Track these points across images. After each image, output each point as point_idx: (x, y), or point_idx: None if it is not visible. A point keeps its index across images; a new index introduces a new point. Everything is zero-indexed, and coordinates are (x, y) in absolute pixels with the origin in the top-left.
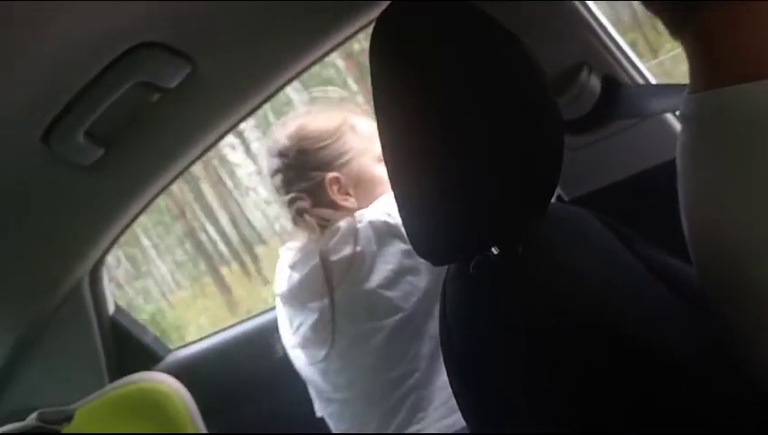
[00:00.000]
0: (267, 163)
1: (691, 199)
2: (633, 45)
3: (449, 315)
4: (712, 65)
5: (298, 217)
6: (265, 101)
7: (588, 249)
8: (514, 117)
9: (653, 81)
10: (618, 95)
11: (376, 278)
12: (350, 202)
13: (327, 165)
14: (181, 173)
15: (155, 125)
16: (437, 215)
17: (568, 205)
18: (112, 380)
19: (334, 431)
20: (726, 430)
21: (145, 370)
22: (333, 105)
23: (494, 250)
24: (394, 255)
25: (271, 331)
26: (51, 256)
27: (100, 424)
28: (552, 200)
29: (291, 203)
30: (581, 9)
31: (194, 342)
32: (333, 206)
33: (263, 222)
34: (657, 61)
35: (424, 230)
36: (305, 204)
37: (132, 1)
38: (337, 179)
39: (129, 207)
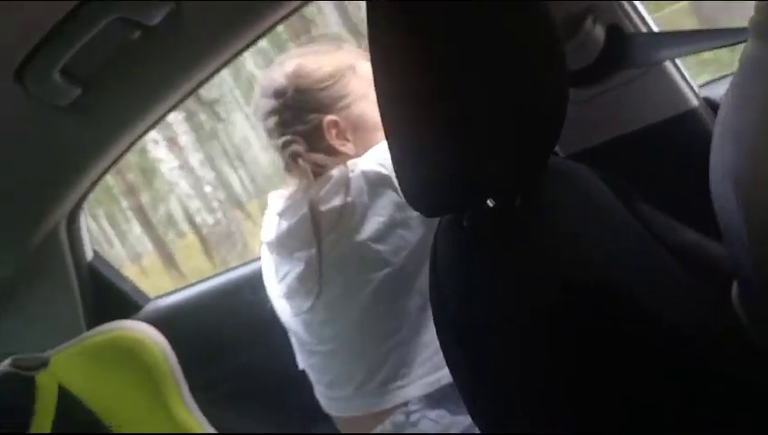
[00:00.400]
0: (260, 104)
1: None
2: None
3: (440, 270)
4: None
5: (292, 161)
6: (250, 44)
7: (587, 208)
8: (521, 64)
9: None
10: (622, 44)
11: (366, 230)
12: (348, 147)
13: (326, 107)
14: (163, 117)
15: (135, 65)
16: (431, 163)
17: (567, 160)
18: (90, 327)
19: (316, 384)
20: (727, 410)
21: (124, 318)
22: (333, 46)
23: (490, 203)
24: (385, 207)
25: (253, 282)
26: (27, 199)
27: (75, 371)
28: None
29: (284, 146)
30: None
31: (174, 291)
32: (330, 151)
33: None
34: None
35: (417, 179)
36: (300, 148)
37: None
38: (335, 123)
39: (109, 150)
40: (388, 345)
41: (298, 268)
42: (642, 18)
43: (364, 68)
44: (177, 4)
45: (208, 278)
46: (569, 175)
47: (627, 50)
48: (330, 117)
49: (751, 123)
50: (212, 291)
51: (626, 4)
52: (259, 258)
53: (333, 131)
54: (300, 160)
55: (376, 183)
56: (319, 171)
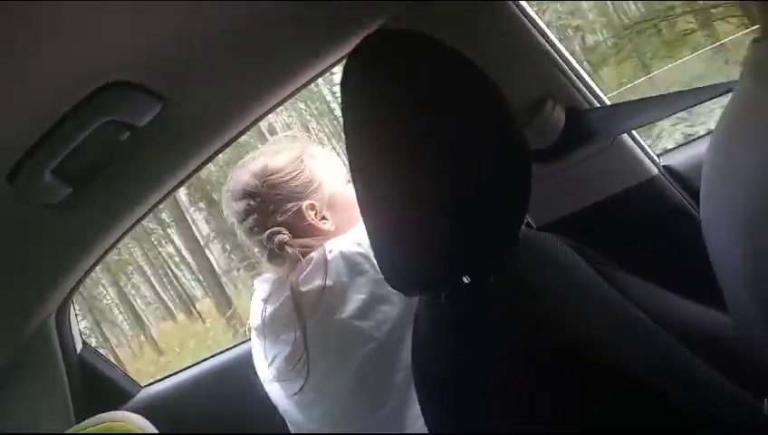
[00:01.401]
0: (233, 208)
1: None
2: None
3: (422, 347)
4: None
5: (279, 250)
6: (239, 135)
7: (558, 274)
8: (482, 147)
9: None
10: (581, 123)
11: (348, 309)
12: (328, 224)
13: (300, 194)
14: (151, 210)
15: (124, 163)
16: (408, 245)
17: (537, 231)
18: (81, 418)
19: None
20: None
21: (115, 407)
22: (287, 140)
23: (466, 279)
24: (365, 284)
25: (243, 365)
26: (18, 293)
27: None
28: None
29: (270, 238)
30: (545, 44)
31: (164, 378)
32: (313, 231)
33: None
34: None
35: (395, 261)
36: (285, 236)
37: (104, 41)
38: (312, 206)
39: (98, 244)
40: (375, 420)
41: (285, 351)
42: (600, 101)
43: (320, 152)
44: (165, 103)
45: (198, 363)
46: (539, 245)
47: (587, 127)
48: (306, 202)
49: (755, 167)
50: (202, 375)
51: (583, 88)
52: (246, 341)
53: (312, 213)
54: (287, 248)
55: (354, 263)
56: (307, 253)
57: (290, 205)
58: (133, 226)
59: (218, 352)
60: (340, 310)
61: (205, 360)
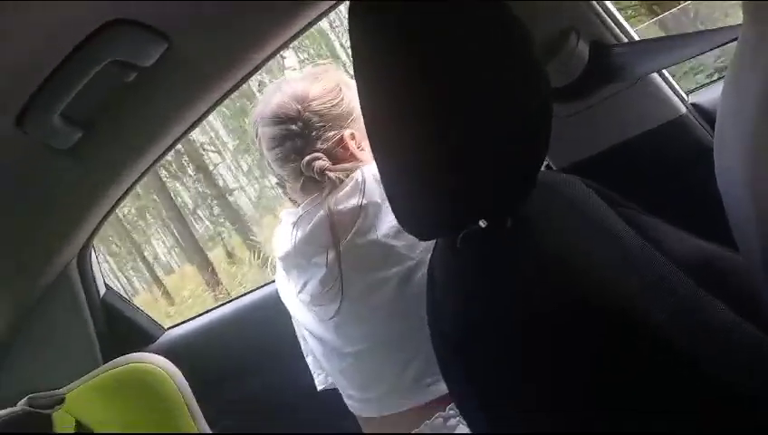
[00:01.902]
0: (266, 133)
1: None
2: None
3: (437, 291)
4: None
5: (320, 176)
6: (247, 77)
7: (578, 218)
8: (501, 85)
9: None
10: (607, 59)
11: (382, 228)
12: (366, 155)
13: (342, 122)
14: (165, 153)
15: (133, 105)
16: (423, 188)
17: (557, 172)
18: (107, 361)
19: (346, 390)
20: (718, 417)
21: (139, 350)
22: (322, 69)
23: (482, 223)
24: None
25: (265, 307)
26: (36, 241)
27: (91, 406)
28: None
29: (310, 163)
30: None
31: (187, 320)
32: (352, 159)
33: None
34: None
35: (409, 204)
36: (326, 163)
37: None
38: (353, 135)
39: (112, 188)
40: (417, 339)
41: (319, 274)
42: (627, 34)
43: (351, 82)
44: (170, 43)
45: (220, 305)
46: (558, 187)
47: (611, 64)
48: (348, 130)
49: (751, 119)
50: (225, 318)
51: (608, 20)
52: (268, 283)
53: (353, 142)
54: (329, 173)
55: None
56: (344, 179)
57: (332, 133)
58: (147, 170)
59: (240, 294)
60: (374, 229)
61: (227, 302)
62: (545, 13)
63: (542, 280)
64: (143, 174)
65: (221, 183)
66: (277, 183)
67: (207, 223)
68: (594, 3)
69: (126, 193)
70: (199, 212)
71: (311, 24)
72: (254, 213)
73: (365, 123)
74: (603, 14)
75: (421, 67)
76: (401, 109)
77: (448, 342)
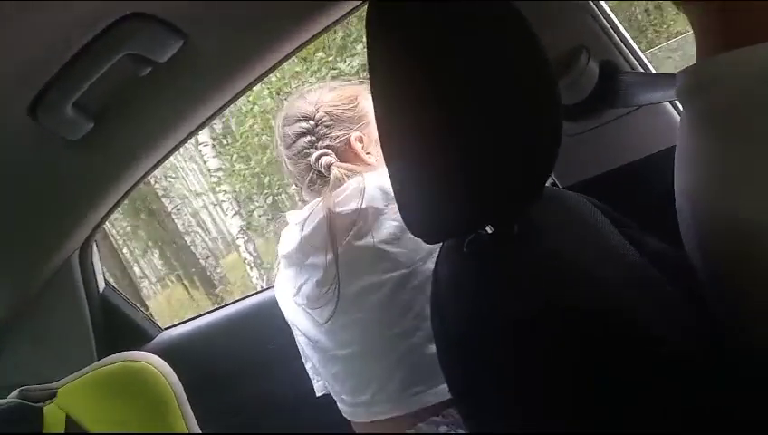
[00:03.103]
0: (288, 131)
1: (697, 174)
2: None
3: (442, 295)
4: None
5: (326, 171)
6: (262, 77)
7: (582, 234)
8: (515, 94)
9: (652, 69)
10: (616, 81)
11: (380, 234)
12: (372, 159)
13: (351, 124)
14: (174, 150)
15: (145, 100)
16: (432, 191)
17: (564, 189)
18: (102, 357)
19: (338, 395)
20: (720, 419)
21: (135, 349)
22: (339, 81)
23: (489, 229)
24: (399, 212)
25: (262, 311)
26: (40, 231)
27: (83, 402)
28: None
29: (318, 158)
30: None
31: (185, 321)
32: (358, 160)
33: None
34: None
35: (418, 206)
36: (333, 159)
37: None
38: (360, 138)
39: (119, 183)
40: (404, 346)
41: (316, 276)
42: (637, 56)
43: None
44: (186, 40)
45: (218, 308)
46: (564, 203)
47: (619, 89)
48: (356, 133)
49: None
50: (222, 320)
51: (619, 42)
52: (267, 289)
53: (359, 145)
54: (334, 169)
55: (389, 192)
56: (348, 177)
57: (341, 132)
58: (155, 166)
59: (239, 298)
60: (372, 234)
61: (225, 305)
62: (558, 29)
63: (546, 291)
64: (150, 169)
65: None
66: (294, 187)
67: None
68: (605, 22)
69: (132, 188)
70: None
71: (328, 28)
72: None
73: (377, 125)
74: (614, 34)
75: (436, 71)
76: (415, 111)
77: (451, 343)
